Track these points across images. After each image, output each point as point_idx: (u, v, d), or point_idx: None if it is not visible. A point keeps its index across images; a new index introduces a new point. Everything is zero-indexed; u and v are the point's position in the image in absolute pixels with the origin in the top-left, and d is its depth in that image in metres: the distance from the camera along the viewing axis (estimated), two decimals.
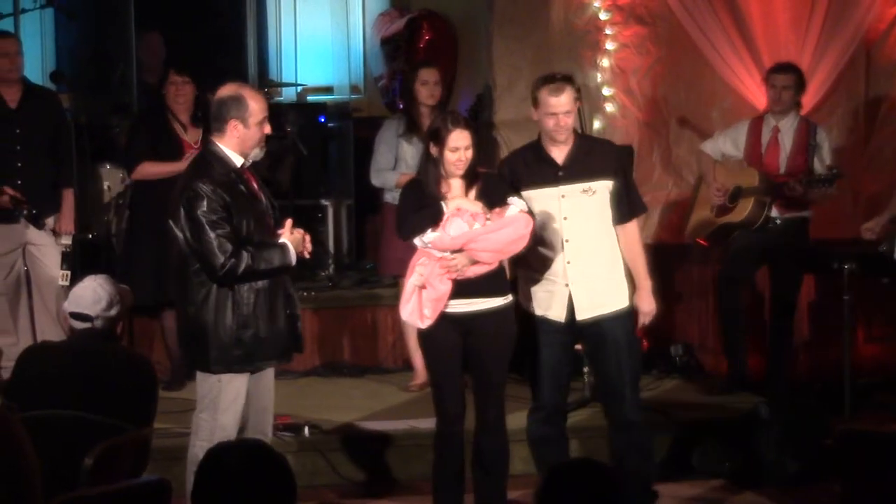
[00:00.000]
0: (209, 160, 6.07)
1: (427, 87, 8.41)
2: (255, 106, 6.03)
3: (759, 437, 7.43)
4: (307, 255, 6.18)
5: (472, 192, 6.26)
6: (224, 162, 6.04)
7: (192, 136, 8.42)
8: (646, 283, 6.50)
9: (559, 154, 6.40)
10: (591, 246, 6.40)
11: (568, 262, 6.39)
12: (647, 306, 6.49)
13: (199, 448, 6.06)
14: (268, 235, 6.10)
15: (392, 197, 8.16)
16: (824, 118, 8.91)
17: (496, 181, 6.42)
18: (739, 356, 8.40)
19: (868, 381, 8.47)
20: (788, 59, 8.63)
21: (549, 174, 6.38)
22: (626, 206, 6.46)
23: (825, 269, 8.33)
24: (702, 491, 7.32)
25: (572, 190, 6.36)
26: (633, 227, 6.53)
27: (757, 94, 8.75)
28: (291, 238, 6.09)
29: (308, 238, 6.17)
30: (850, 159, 9.00)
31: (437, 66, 8.68)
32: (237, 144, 6.04)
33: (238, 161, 6.06)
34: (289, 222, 6.15)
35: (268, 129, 6.11)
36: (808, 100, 8.76)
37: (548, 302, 6.44)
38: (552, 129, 6.34)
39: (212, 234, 5.91)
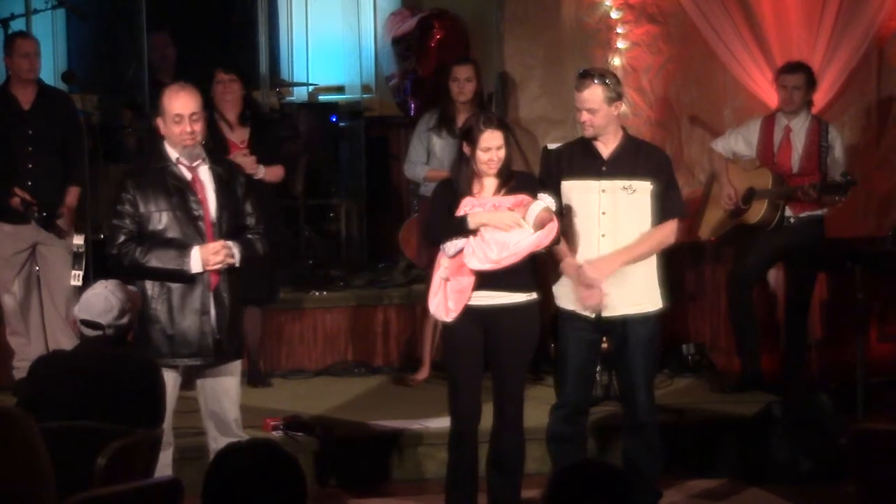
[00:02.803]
0: (154, 152, 6.26)
1: (457, 83, 8.44)
2: (167, 104, 6.14)
3: (772, 436, 7.42)
4: (217, 266, 6.09)
5: (504, 191, 6.26)
6: (161, 155, 6.18)
7: (238, 136, 8.26)
8: (620, 254, 6.32)
9: (605, 149, 6.41)
10: (627, 243, 6.37)
11: None
12: (598, 263, 6.30)
13: None
14: (192, 238, 6.08)
15: (426, 190, 8.28)
16: (836, 116, 8.88)
17: (529, 181, 6.44)
18: (752, 355, 8.38)
19: (882, 380, 8.44)
20: (800, 57, 8.61)
21: (593, 167, 6.39)
22: (660, 208, 6.42)
23: (838, 268, 8.31)
24: (713, 489, 7.30)
25: (613, 185, 6.36)
26: (665, 226, 6.43)
27: (769, 92, 8.72)
28: (203, 246, 6.06)
29: (224, 254, 6.07)
30: (861, 157, 8.98)
31: (471, 62, 8.67)
32: (169, 140, 6.14)
33: (174, 155, 6.14)
34: (215, 244, 6.10)
35: (188, 127, 6.09)
36: (820, 98, 8.73)
37: (580, 297, 6.41)
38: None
39: (112, 222, 6.11)
